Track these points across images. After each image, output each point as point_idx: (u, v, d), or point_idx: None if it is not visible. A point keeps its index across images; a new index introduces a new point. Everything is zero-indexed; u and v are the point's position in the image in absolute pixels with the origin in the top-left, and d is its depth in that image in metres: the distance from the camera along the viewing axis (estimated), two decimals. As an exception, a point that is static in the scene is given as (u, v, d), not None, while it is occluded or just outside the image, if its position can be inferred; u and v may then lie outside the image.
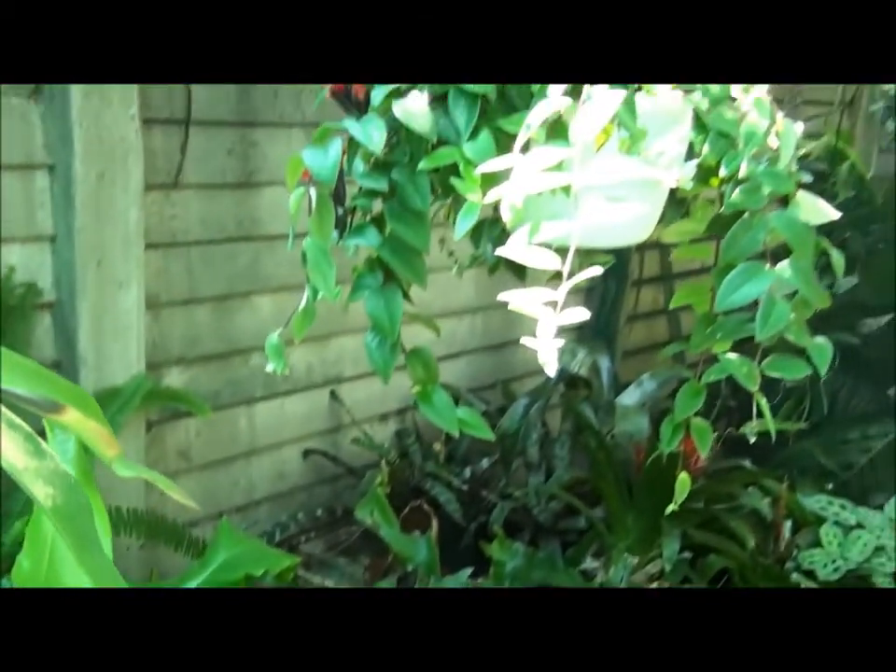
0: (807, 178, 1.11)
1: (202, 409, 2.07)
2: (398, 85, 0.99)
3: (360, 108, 1.11)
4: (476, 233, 1.23)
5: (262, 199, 2.23)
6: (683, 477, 1.14)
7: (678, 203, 1.17)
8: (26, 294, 1.81)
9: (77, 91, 1.79)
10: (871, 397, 2.61)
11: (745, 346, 1.11)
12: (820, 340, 1.07)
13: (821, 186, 2.54)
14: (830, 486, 2.36)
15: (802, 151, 2.97)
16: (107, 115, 1.85)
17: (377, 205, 1.07)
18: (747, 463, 2.34)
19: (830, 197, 2.69)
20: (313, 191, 0.98)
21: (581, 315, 0.78)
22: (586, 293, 3.13)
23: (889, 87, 2.79)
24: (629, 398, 2.61)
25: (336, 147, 0.96)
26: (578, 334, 2.98)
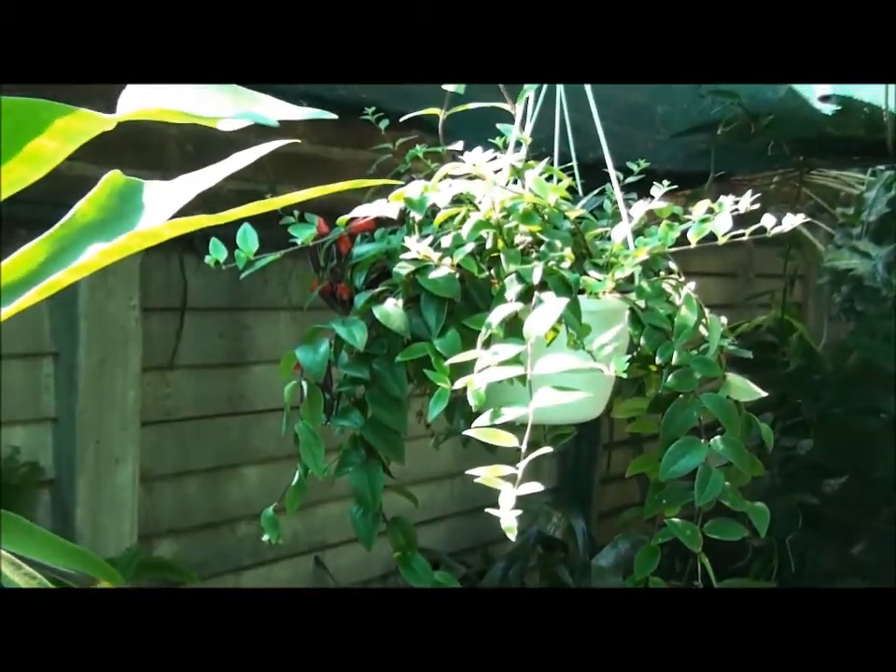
0: (748, 355, 1.26)
1: (190, 578, 2.14)
2: (377, 291, 1.15)
3: (344, 306, 1.27)
4: (449, 411, 1.36)
5: (251, 377, 2.37)
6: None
7: (632, 381, 1.31)
8: (29, 473, 1.92)
9: (84, 286, 1.96)
10: (836, 556, 2.70)
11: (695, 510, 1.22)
12: (758, 504, 1.19)
13: (772, 356, 2.72)
14: (801, 644, 2.40)
15: (754, 323, 3.14)
16: (111, 306, 2.01)
17: (360, 391, 1.21)
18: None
19: (781, 365, 2.86)
20: (304, 383, 1.12)
21: (535, 487, 0.90)
22: (560, 457, 3.25)
23: (831, 262, 3.02)
24: (604, 559, 2.69)
25: (325, 345, 1.11)
26: (553, 497, 3.08)
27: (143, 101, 0.65)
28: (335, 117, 0.70)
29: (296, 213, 1.24)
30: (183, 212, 0.77)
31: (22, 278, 0.71)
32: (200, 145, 2.15)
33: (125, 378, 2.05)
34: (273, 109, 0.66)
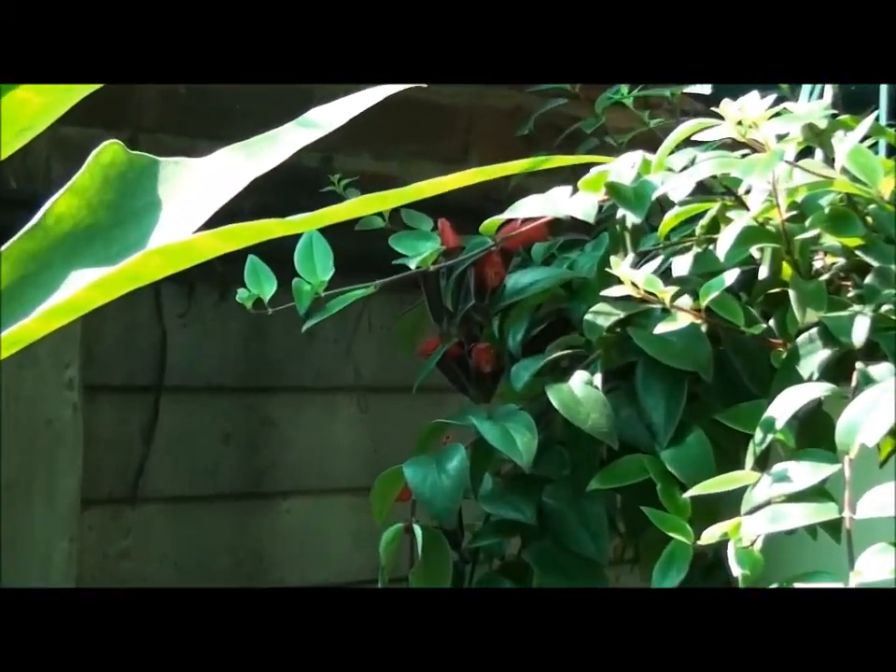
0: None
1: None
2: (552, 357, 1.21)
3: (483, 384, 1.33)
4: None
5: (277, 520, 2.44)
6: None
7: None
8: None
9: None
10: None
11: None
12: None
13: None
14: None
15: None
16: (27, 380, 2.11)
17: (514, 546, 1.25)
18: None
19: None
20: (417, 528, 1.18)
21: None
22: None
23: None
24: None
25: (458, 458, 1.17)
26: None
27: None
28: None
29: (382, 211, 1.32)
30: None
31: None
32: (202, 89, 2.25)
33: (50, 517, 2.14)
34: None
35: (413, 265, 1.21)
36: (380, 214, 1.28)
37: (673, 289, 1.15)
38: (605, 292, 1.18)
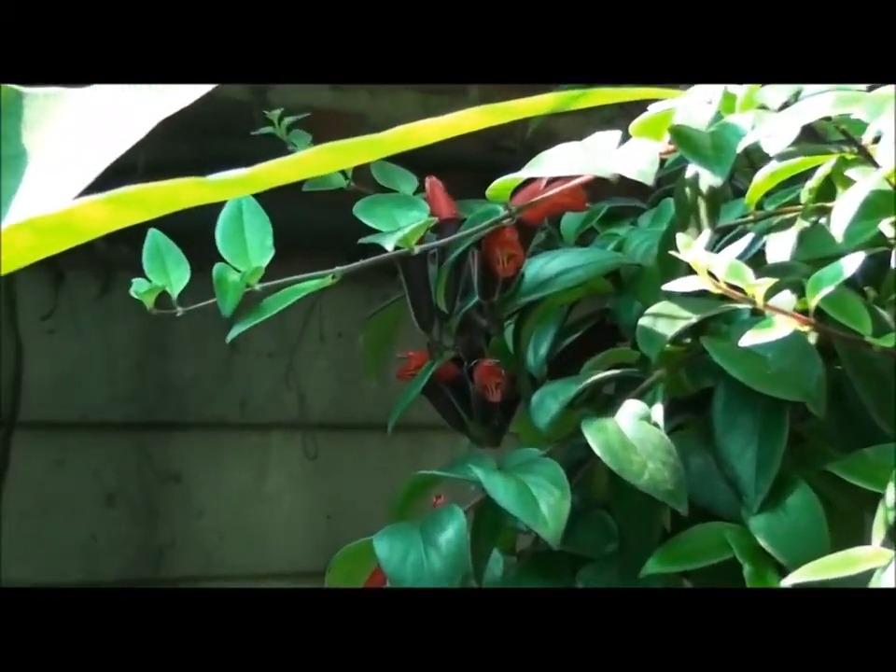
0: None
1: None
2: (592, 379, 1.19)
3: (489, 421, 1.32)
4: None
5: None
6: None
7: None
8: None
9: None
10: None
11: None
12: None
13: None
14: None
15: None
16: None
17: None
18: None
19: None
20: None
21: None
22: None
23: None
24: None
25: (455, 527, 1.15)
26: None
27: None
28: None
29: (348, 173, 1.31)
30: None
31: None
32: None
33: None
34: None
35: (388, 245, 1.20)
36: (341, 170, 1.25)
37: (769, 282, 1.12)
38: (668, 286, 1.16)
